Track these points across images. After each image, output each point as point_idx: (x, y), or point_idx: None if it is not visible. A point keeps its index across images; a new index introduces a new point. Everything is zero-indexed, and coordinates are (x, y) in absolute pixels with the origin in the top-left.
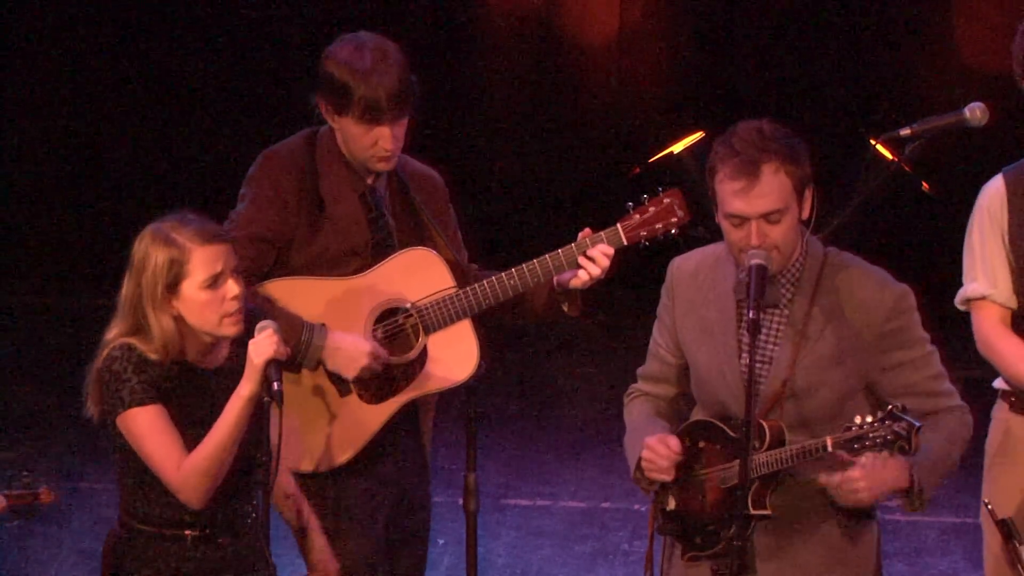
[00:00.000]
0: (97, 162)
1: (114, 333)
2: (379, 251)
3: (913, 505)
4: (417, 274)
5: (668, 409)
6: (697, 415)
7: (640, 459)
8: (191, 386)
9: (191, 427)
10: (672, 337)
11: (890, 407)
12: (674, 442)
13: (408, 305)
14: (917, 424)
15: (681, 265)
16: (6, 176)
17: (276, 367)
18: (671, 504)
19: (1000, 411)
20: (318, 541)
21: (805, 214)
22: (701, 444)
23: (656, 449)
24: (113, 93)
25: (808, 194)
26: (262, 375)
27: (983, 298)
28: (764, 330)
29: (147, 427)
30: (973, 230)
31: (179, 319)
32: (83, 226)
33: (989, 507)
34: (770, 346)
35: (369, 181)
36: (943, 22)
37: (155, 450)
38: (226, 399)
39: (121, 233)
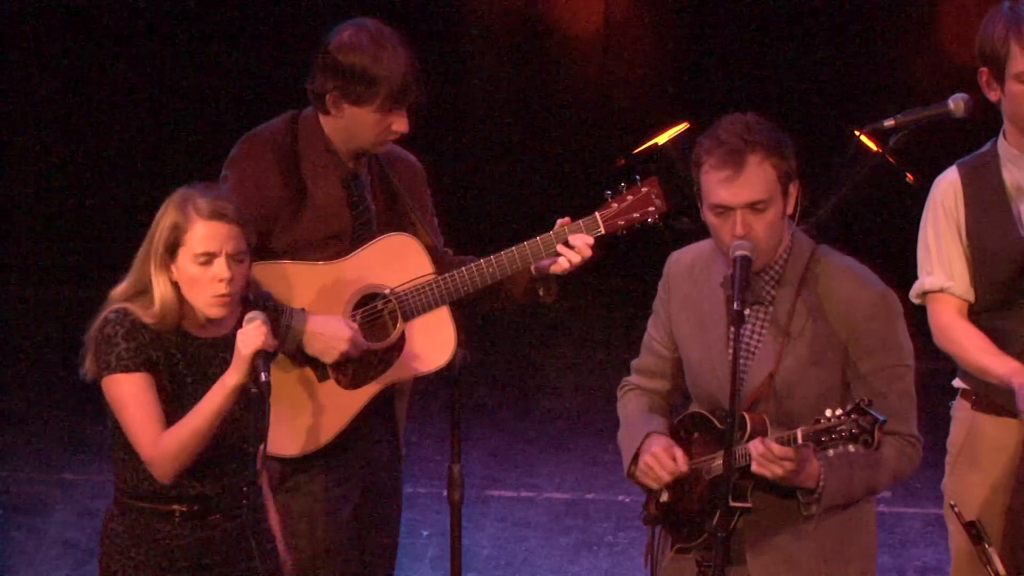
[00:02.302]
0: (83, 156)
1: (119, 289)
2: (360, 236)
3: (808, 508)
4: (397, 260)
5: (663, 404)
6: (692, 408)
7: (636, 455)
8: (184, 354)
9: (179, 396)
10: (667, 331)
11: (857, 401)
12: (680, 456)
13: (387, 291)
14: (881, 419)
15: (678, 259)
16: None
17: (265, 358)
18: (664, 496)
19: (961, 410)
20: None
21: (790, 209)
22: (695, 435)
23: (662, 459)
24: (106, 86)
25: (793, 189)
26: (250, 366)
27: (941, 291)
28: (748, 326)
29: (128, 395)
30: (927, 223)
31: (177, 284)
32: (70, 219)
33: (956, 509)
34: (754, 342)
35: (351, 166)
36: (927, 13)
37: (133, 420)
38: (220, 370)
39: (108, 225)
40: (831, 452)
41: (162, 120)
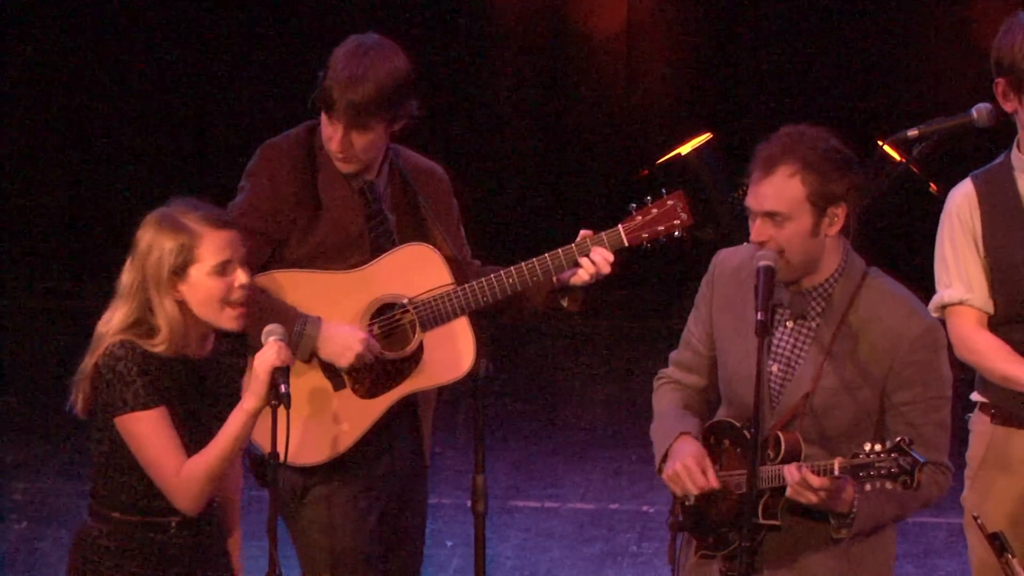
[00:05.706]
0: (93, 164)
1: (113, 324)
2: (377, 246)
3: (839, 531)
4: (415, 270)
5: (698, 399)
6: (721, 412)
7: (666, 454)
8: (190, 381)
9: (189, 421)
10: (706, 329)
11: (899, 439)
12: (712, 472)
13: (405, 301)
14: (922, 460)
15: (726, 259)
16: (8, 174)
17: (284, 370)
18: (691, 500)
19: (980, 424)
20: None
21: (831, 231)
22: (725, 443)
23: (693, 473)
24: (109, 86)
25: (838, 211)
26: (268, 388)
27: (960, 303)
28: (790, 341)
29: (149, 431)
30: (943, 236)
31: (183, 305)
32: (88, 223)
33: (979, 521)
34: (795, 358)
35: (367, 175)
36: (956, 20)
37: (156, 455)
38: (218, 389)
39: (124, 229)
40: (868, 487)
41: (168, 125)
